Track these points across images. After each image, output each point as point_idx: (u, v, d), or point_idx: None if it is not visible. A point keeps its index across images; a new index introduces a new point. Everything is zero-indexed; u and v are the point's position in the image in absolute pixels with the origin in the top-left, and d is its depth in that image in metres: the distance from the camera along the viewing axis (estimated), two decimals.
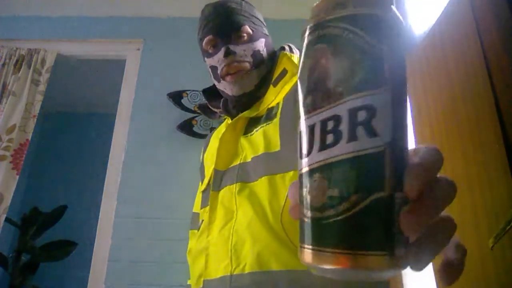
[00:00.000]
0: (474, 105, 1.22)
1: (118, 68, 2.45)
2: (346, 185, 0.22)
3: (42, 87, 2.32)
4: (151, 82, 2.37)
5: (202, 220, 0.87)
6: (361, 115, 0.23)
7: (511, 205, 1.01)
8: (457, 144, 1.28)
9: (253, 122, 0.88)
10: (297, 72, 0.87)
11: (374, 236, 0.22)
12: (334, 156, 0.23)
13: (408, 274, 1.75)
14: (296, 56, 0.93)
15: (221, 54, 0.87)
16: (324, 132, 0.24)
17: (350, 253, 0.22)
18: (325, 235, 0.23)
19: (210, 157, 0.96)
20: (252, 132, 0.85)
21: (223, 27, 0.89)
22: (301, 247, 0.25)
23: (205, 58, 0.94)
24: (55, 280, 2.99)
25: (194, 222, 1.00)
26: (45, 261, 2.92)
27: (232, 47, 0.87)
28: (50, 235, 2.96)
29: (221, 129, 0.99)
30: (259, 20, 0.95)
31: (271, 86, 0.89)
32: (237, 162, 0.84)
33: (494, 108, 1.11)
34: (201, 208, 0.92)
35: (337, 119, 0.23)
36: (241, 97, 0.90)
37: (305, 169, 0.24)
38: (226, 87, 0.90)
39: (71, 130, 3.62)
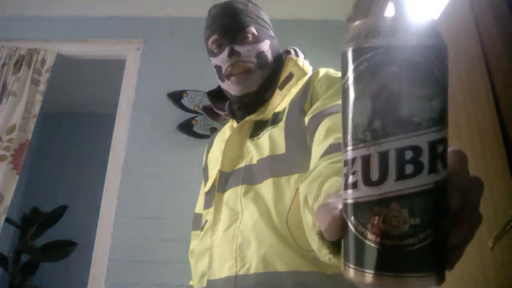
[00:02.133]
0: (474, 105, 1.22)
1: (118, 68, 2.44)
2: (427, 214, 0.24)
3: (42, 87, 2.32)
4: (151, 82, 2.37)
5: (206, 221, 0.87)
6: (439, 148, 0.24)
7: (511, 205, 1.01)
8: (457, 144, 1.28)
9: (259, 126, 0.88)
10: (303, 76, 0.87)
11: (444, 256, 0.25)
12: (416, 186, 0.23)
13: None
14: (301, 60, 0.94)
15: (225, 54, 0.88)
16: (401, 162, 0.24)
17: (432, 275, 0.24)
18: (406, 261, 0.24)
19: (214, 158, 0.96)
20: (259, 136, 0.86)
21: (228, 27, 0.89)
22: (359, 270, 0.25)
23: (210, 58, 0.95)
24: (55, 280, 2.99)
25: (196, 223, 1.00)
26: (45, 261, 2.92)
27: (236, 47, 0.88)
28: (50, 235, 2.96)
29: (225, 130, 1.00)
30: (265, 21, 0.96)
31: (278, 89, 0.90)
32: (242, 164, 0.85)
33: (494, 108, 1.11)
34: (204, 209, 0.92)
35: (417, 150, 0.24)
36: (244, 97, 0.90)
37: (376, 196, 0.24)
38: (229, 87, 0.91)
39: (71, 130, 3.62)
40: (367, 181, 0.24)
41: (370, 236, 0.24)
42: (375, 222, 0.24)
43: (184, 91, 2.30)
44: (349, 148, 0.26)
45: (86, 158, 3.42)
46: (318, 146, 0.64)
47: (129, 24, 2.55)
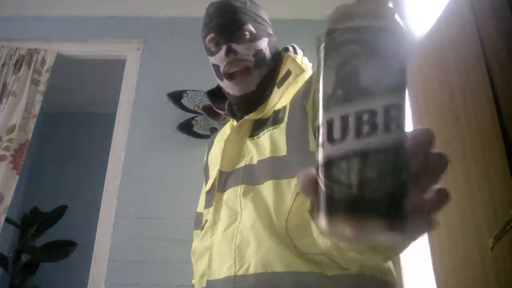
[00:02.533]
0: (474, 105, 1.22)
1: (118, 68, 2.45)
2: (380, 167, 0.27)
3: (42, 87, 2.32)
4: (151, 82, 2.37)
5: (206, 220, 0.87)
6: (393, 112, 0.28)
7: (511, 205, 1.01)
8: (457, 144, 1.28)
9: (259, 125, 0.88)
10: (300, 73, 0.86)
11: (398, 206, 0.27)
12: (371, 143, 0.27)
13: (407, 274, 1.75)
14: (300, 57, 0.94)
15: (222, 52, 0.87)
16: (359, 122, 0.28)
17: (383, 220, 0.27)
18: (364, 208, 0.27)
19: (214, 158, 0.96)
20: (259, 135, 0.86)
21: (225, 25, 0.89)
22: (326, 216, 0.28)
23: (208, 57, 0.94)
24: (55, 280, 2.99)
25: (198, 222, 1.00)
26: (45, 261, 2.91)
27: (234, 45, 0.87)
28: (50, 235, 2.96)
29: (226, 130, 1.00)
30: (263, 19, 0.95)
31: (276, 87, 0.89)
32: (242, 164, 0.84)
33: (494, 108, 1.11)
34: (205, 208, 0.92)
35: (372, 112, 0.28)
36: (243, 97, 0.90)
37: (337, 152, 0.28)
38: (228, 87, 0.91)
39: (71, 130, 3.62)
40: (330, 141, 0.28)
41: (333, 186, 0.28)
42: (337, 174, 0.28)
43: (184, 91, 2.30)
44: (319, 114, 0.30)
45: (86, 158, 3.42)
46: None
47: (129, 24, 2.55)
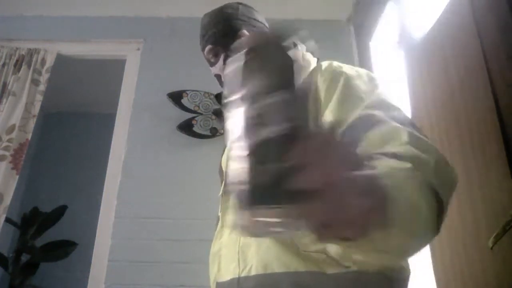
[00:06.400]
0: (474, 105, 1.22)
1: (118, 68, 2.44)
2: (271, 160, 0.30)
3: (42, 87, 2.32)
4: (151, 82, 2.37)
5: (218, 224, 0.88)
6: (277, 107, 0.32)
7: (511, 205, 1.01)
8: (457, 144, 1.28)
9: None
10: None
11: (289, 194, 0.30)
12: (260, 139, 0.31)
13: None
14: (300, 52, 0.93)
15: (221, 61, 0.89)
16: (250, 120, 0.32)
17: (281, 207, 0.30)
18: (259, 199, 0.30)
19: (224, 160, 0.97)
20: None
21: (220, 35, 0.91)
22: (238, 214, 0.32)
23: (210, 68, 0.96)
24: (55, 280, 2.98)
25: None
26: (45, 261, 2.91)
27: (231, 53, 0.88)
28: (50, 235, 2.96)
29: None
30: (259, 21, 0.96)
31: None
32: None
33: (494, 108, 1.11)
34: (219, 213, 0.93)
35: (262, 109, 0.32)
36: None
37: (236, 151, 0.32)
38: None
39: (71, 130, 3.62)
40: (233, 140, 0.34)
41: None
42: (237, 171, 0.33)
43: (184, 91, 2.30)
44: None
45: (86, 158, 3.41)
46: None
47: (129, 24, 2.55)
